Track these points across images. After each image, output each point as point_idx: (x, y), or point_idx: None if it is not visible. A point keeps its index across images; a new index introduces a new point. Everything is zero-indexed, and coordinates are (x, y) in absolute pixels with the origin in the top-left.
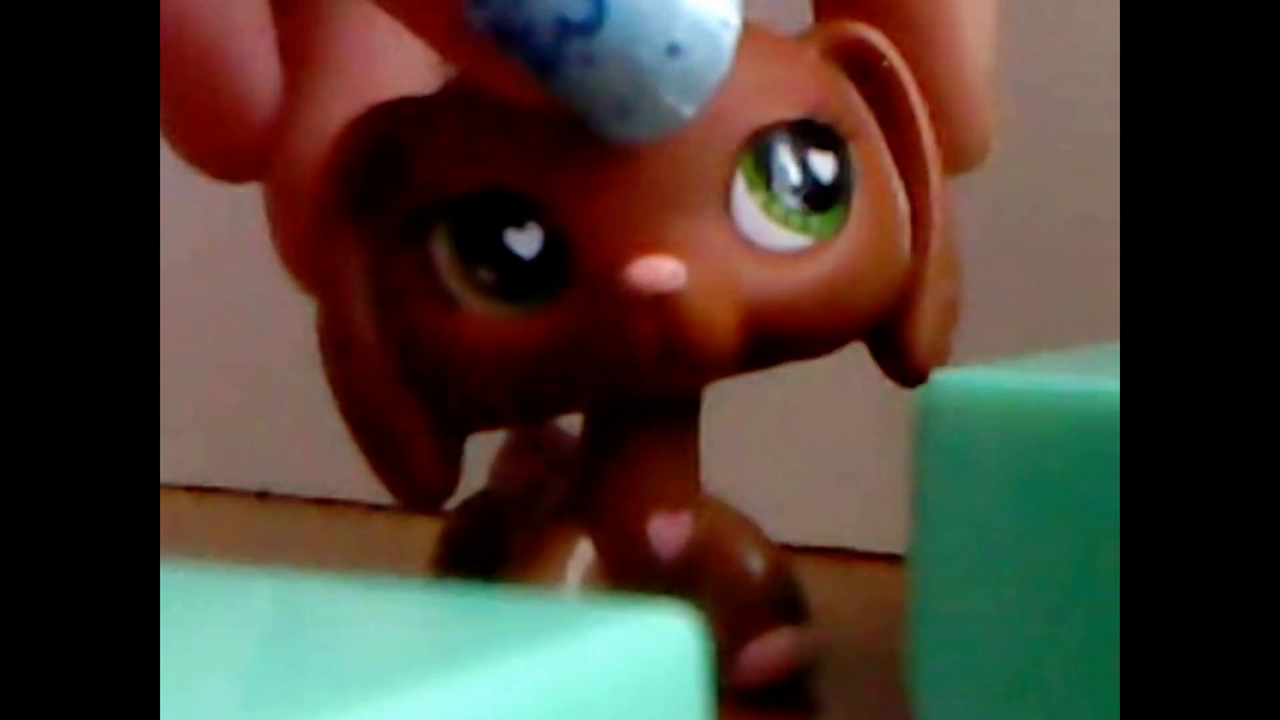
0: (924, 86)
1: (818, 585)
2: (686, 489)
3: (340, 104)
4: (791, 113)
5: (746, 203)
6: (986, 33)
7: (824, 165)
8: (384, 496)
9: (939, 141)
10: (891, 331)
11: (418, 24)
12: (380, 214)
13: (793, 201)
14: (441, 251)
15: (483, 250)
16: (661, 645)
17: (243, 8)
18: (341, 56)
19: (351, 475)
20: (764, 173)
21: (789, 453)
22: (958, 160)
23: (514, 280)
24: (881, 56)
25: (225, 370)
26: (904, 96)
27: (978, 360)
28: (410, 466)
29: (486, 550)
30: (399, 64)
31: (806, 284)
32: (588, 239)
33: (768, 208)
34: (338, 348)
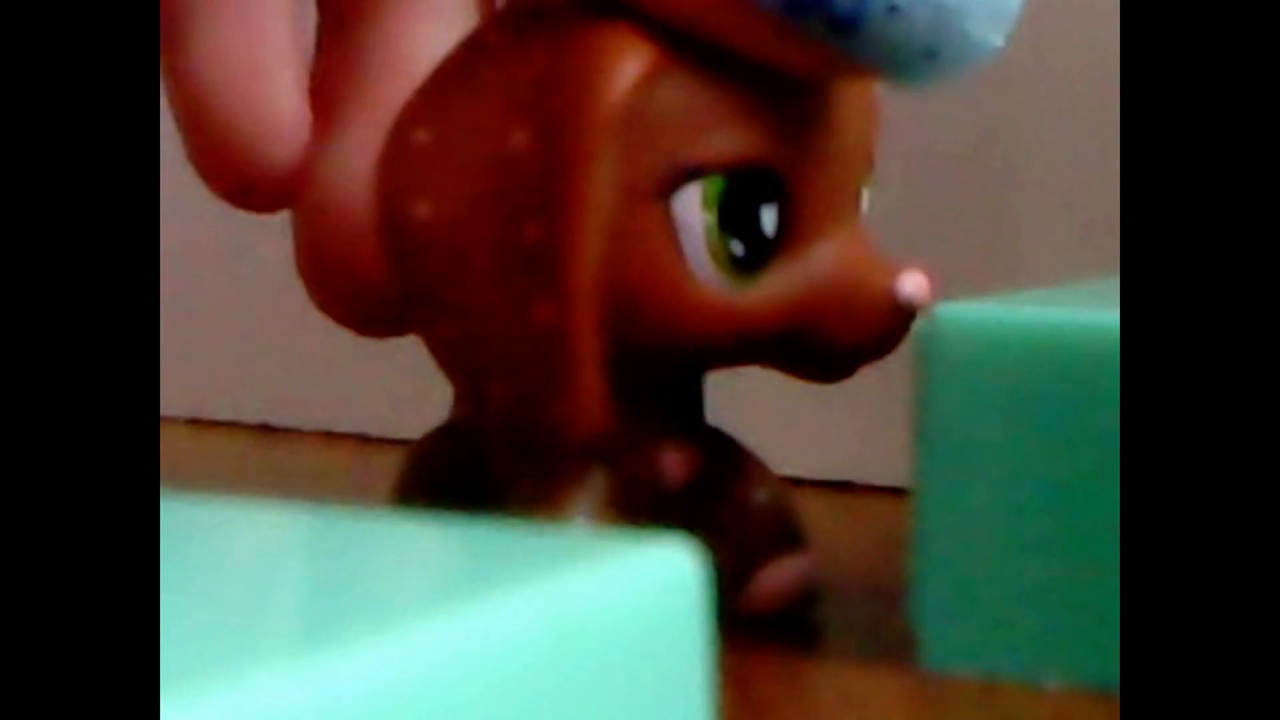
0: None
1: (820, 518)
2: (692, 422)
3: (370, 134)
4: None
5: (862, 209)
6: None
7: None
8: (384, 429)
9: None
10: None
11: (699, 10)
12: (628, 164)
13: None
14: (700, 216)
15: (741, 223)
16: (665, 575)
17: (273, 43)
18: (372, 86)
19: (352, 408)
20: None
21: (790, 386)
22: None
23: (756, 254)
24: None
25: (226, 304)
26: None
27: (977, 293)
28: (586, 403)
29: (461, 481)
30: None
31: None
32: (810, 221)
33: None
34: (545, 292)
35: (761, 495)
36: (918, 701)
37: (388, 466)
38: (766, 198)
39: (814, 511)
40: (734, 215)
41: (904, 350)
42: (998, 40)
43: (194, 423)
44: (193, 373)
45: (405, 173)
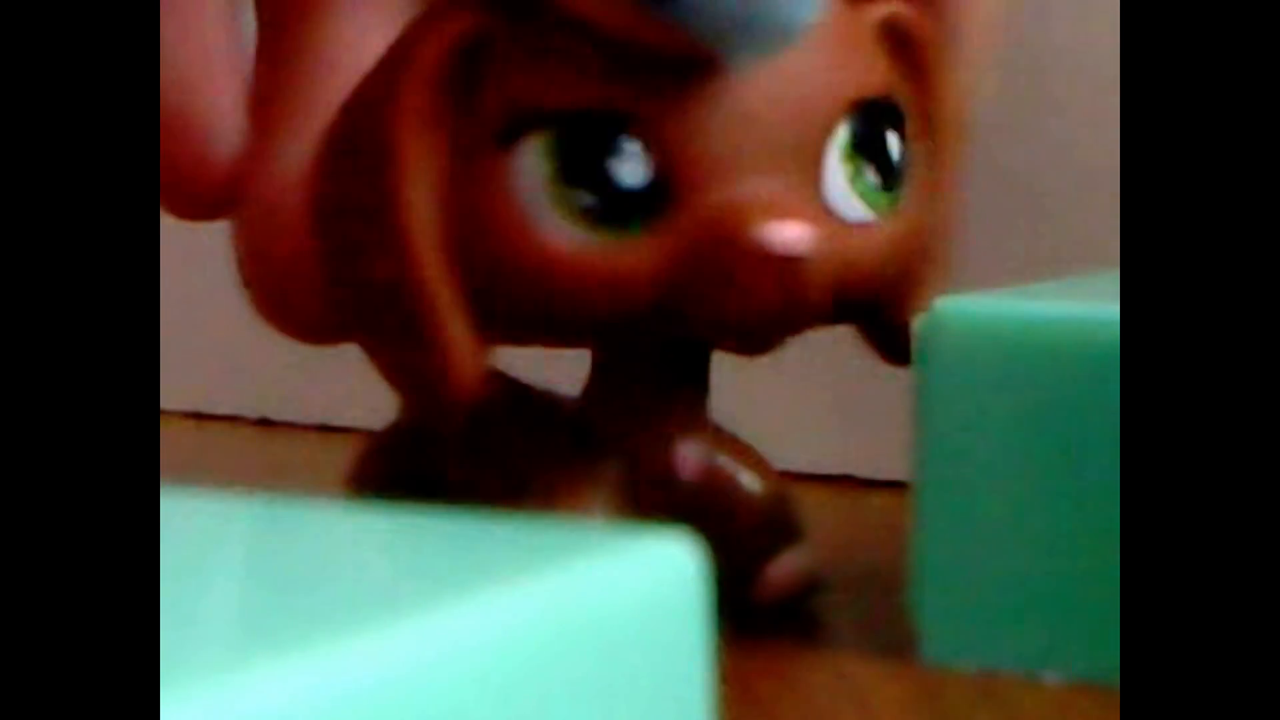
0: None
1: (820, 512)
2: (695, 419)
3: (309, 139)
4: (879, 90)
5: (837, 172)
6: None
7: (895, 145)
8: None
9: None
10: (891, 307)
11: None
12: (464, 117)
13: (872, 177)
14: (537, 166)
15: (585, 173)
16: (665, 568)
17: (210, 48)
18: (310, 89)
19: (351, 402)
20: (857, 145)
21: (790, 380)
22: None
23: (614, 207)
24: (926, 39)
25: (226, 298)
26: (937, 75)
27: (978, 287)
28: (451, 369)
29: (418, 476)
30: None
31: (870, 258)
32: (694, 177)
33: (853, 180)
34: (385, 238)
35: (760, 489)
36: (917, 695)
37: None
38: (622, 147)
39: (814, 505)
40: (578, 165)
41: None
42: (807, 16)
43: (194, 416)
44: (193, 367)
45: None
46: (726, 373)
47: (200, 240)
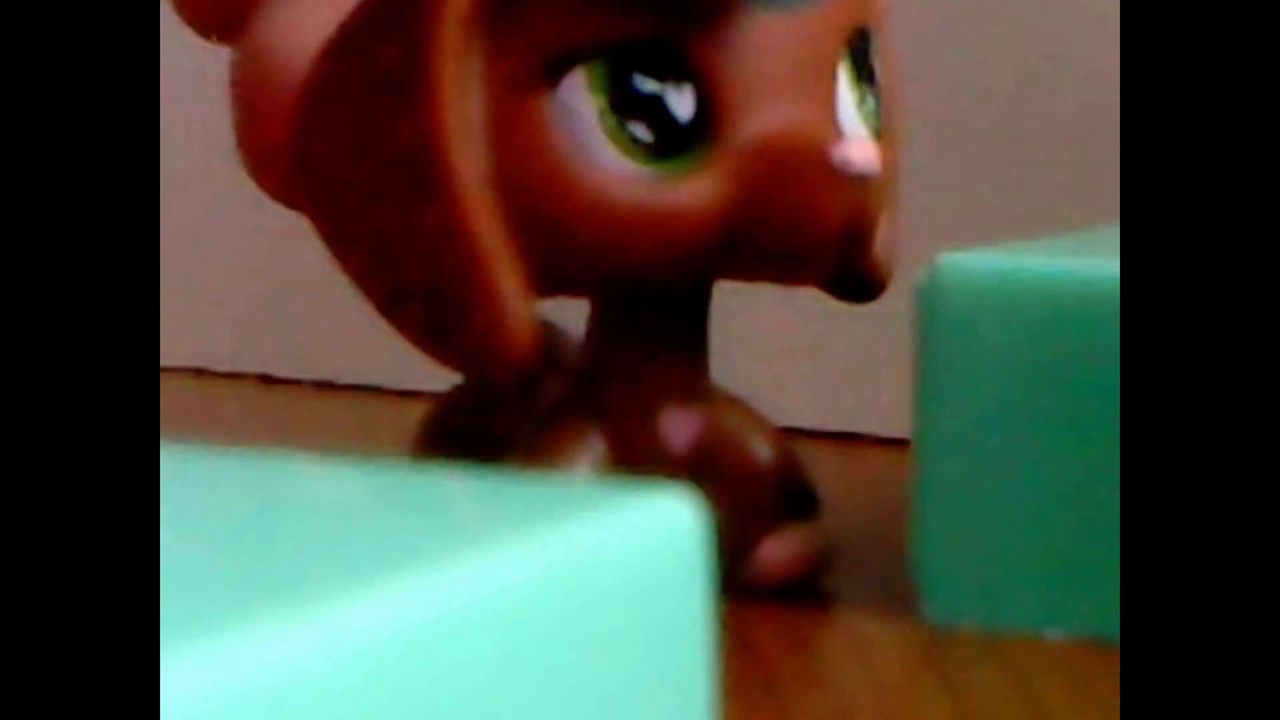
0: None
1: (822, 469)
2: (697, 383)
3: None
4: (872, 17)
5: (846, 96)
6: None
7: (879, 69)
8: (385, 380)
9: None
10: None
11: None
12: (499, 55)
13: (872, 100)
14: (589, 101)
15: (640, 105)
16: (666, 525)
17: None
18: None
19: (353, 359)
20: (861, 69)
21: (791, 337)
22: None
23: (668, 138)
24: None
25: (227, 254)
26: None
27: (979, 243)
28: (505, 327)
29: (476, 437)
30: None
31: (879, 180)
32: (734, 105)
33: (860, 103)
34: (428, 194)
35: (767, 457)
36: (920, 653)
37: (388, 417)
38: (670, 79)
39: (816, 463)
40: (632, 98)
41: (906, 299)
42: None
43: (195, 373)
44: (194, 323)
45: (301, 111)
46: (725, 329)
47: (201, 198)
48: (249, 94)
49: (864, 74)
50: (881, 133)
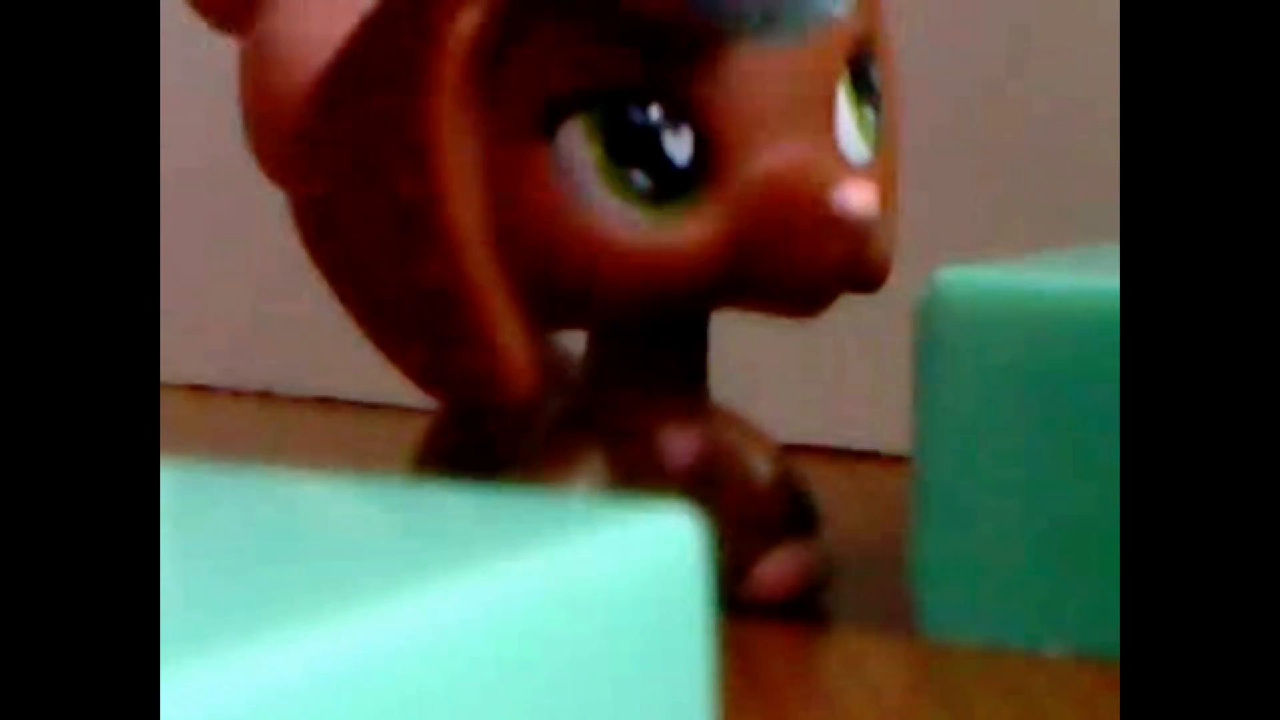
0: None
1: (820, 485)
2: (697, 399)
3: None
4: (872, 35)
5: (847, 118)
6: None
7: (876, 77)
8: (385, 395)
9: None
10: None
11: None
12: (491, 105)
13: (872, 113)
14: (583, 150)
15: (636, 152)
16: (665, 542)
17: None
18: None
19: (353, 375)
20: (860, 86)
21: (791, 353)
22: None
23: (665, 184)
24: None
25: (227, 270)
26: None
27: (979, 259)
28: (506, 361)
29: (477, 455)
30: None
31: (880, 201)
32: (732, 145)
33: (860, 121)
34: (428, 244)
35: (768, 475)
36: (920, 670)
37: (388, 434)
38: (668, 120)
39: (815, 479)
40: (629, 145)
41: (906, 315)
42: (839, 9)
43: (195, 389)
44: (194, 339)
45: (299, 157)
46: (725, 343)
47: (201, 212)
48: (258, 83)
49: (863, 90)
50: (881, 145)
